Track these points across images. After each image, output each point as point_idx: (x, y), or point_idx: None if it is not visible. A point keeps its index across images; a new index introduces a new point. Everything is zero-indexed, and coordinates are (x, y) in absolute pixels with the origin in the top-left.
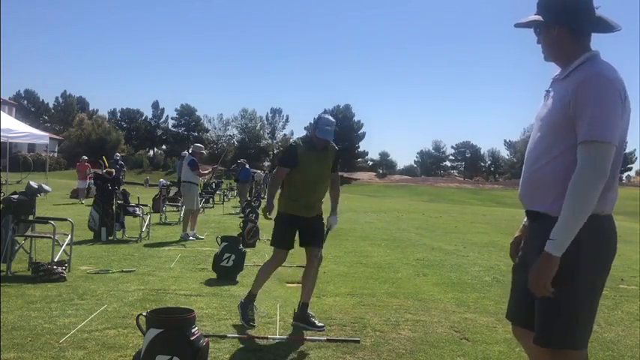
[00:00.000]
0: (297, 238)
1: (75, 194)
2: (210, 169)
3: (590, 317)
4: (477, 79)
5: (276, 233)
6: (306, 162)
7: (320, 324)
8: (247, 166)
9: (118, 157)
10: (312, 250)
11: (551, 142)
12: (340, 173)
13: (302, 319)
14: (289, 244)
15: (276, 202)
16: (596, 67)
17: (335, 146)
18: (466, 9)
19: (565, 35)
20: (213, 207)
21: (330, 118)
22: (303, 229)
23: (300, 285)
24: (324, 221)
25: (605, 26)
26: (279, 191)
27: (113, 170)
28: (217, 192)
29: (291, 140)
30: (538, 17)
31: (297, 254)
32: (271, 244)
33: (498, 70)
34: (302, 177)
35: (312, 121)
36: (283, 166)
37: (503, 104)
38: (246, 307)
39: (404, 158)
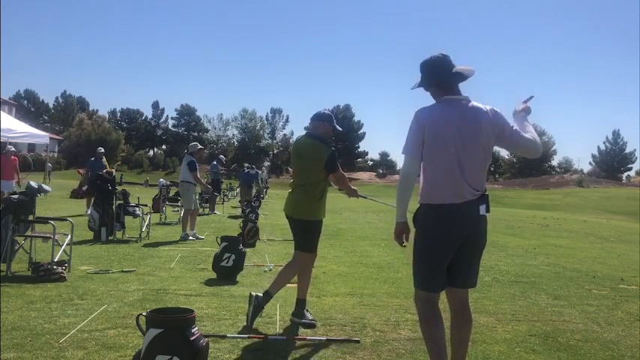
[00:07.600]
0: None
1: (76, 193)
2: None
3: (427, 269)
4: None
5: (313, 240)
6: None
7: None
8: (246, 169)
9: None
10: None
11: None
12: None
13: (297, 314)
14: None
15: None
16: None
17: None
18: (465, 11)
19: (434, 89)
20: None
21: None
22: None
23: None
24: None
25: (463, 76)
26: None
27: (113, 170)
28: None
29: (331, 145)
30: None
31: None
32: (304, 250)
33: (497, 70)
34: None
35: (326, 116)
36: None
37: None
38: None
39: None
